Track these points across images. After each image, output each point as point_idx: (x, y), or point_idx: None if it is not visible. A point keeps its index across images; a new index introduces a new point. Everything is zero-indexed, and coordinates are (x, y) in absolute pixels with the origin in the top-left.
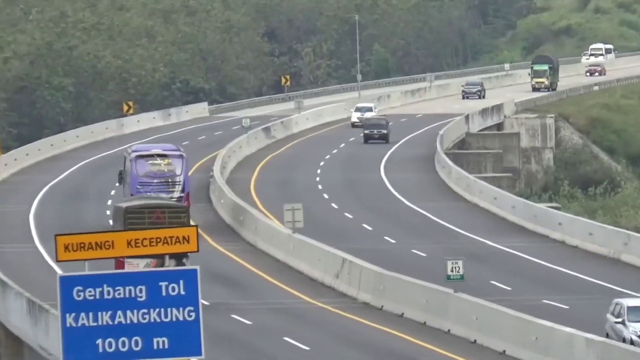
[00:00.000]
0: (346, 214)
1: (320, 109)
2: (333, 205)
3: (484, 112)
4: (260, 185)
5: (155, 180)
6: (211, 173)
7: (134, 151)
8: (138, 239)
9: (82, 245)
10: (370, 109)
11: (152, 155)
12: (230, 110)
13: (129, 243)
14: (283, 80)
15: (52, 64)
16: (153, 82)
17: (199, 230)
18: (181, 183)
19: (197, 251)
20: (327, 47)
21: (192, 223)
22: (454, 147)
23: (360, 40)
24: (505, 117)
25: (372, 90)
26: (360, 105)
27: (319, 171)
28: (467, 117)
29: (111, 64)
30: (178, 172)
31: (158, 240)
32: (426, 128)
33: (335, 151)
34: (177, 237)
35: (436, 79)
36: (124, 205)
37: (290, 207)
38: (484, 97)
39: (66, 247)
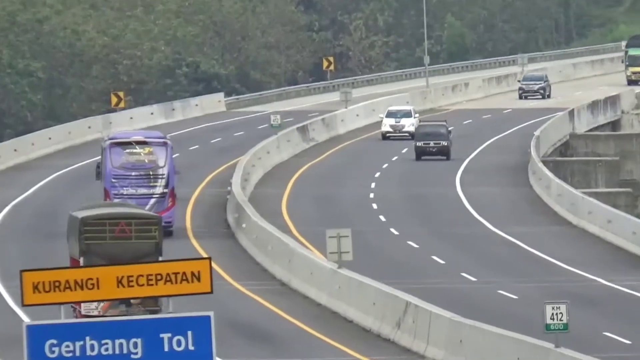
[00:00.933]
0: (410, 243)
1: (375, 102)
2: (392, 230)
3: (593, 105)
4: (295, 203)
5: (133, 173)
6: (229, 187)
7: (110, 138)
8: (132, 276)
9: (57, 284)
10: (408, 114)
11: (129, 143)
12: (254, 103)
13: (119, 281)
14: (325, 64)
15: (15, 42)
16: (151, 65)
17: (213, 264)
18: (165, 176)
19: (211, 292)
20: (384, 20)
21: (204, 255)
22: (554, 153)
23: (428, 10)
24: (622, 112)
25: (443, 77)
26: (394, 108)
27: (373, 185)
28: (571, 112)
29: (95, 42)
30: (161, 163)
31: (159, 277)
32: (517, 127)
33: (395, 158)
34: (184, 274)
35: (530, 61)
36: (80, 214)
37: (335, 233)
38: (548, 96)
39: (35, 287)
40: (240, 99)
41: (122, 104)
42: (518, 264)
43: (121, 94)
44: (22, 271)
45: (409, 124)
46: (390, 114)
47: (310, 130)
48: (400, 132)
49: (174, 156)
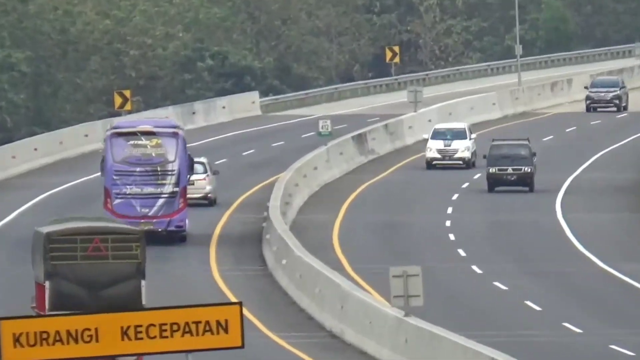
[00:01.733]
0: (497, 284)
1: (452, 104)
2: (474, 268)
3: None
4: (350, 233)
5: (138, 169)
6: (265, 213)
7: (112, 127)
8: (140, 326)
9: (44, 336)
10: (461, 134)
11: (133, 133)
12: (297, 105)
13: (124, 332)
14: (388, 55)
15: None
16: (166, 57)
17: (245, 311)
18: (175, 173)
19: (242, 346)
20: None
21: (233, 300)
22: None
23: None
24: None
25: (540, 71)
26: (442, 127)
27: (449, 210)
28: None
29: (94, 27)
30: (171, 156)
31: (175, 328)
32: (635, 136)
33: (477, 176)
34: (208, 324)
35: None
36: (45, 230)
37: (400, 271)
38: (625, 107)
39: (17, 340)
40: (279, 99)
41: (128, 106)
42: (635, 311)
43: (127, 93)
44: (1, 319)
45: (462, 148)
46: (436, 135)
47: (369, 139)
48: (450, 159)
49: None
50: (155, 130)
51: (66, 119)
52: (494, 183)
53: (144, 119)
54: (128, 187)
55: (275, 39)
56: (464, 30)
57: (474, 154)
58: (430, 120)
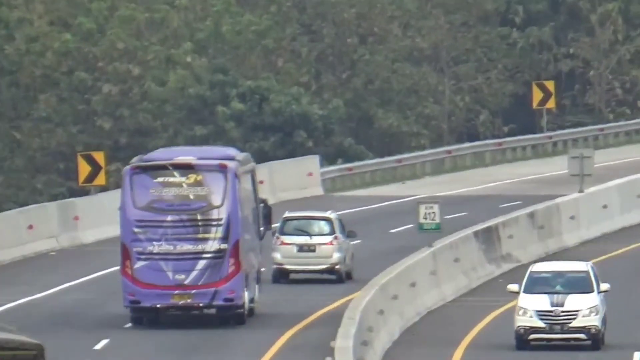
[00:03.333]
0: None
1: None
2: None
3: None
4: None
5: (169, 218)
6: (327, 359)
7: (136, 161)
8: None
9: None
10: None
11: (163, 167)
12: (382, 179)
13: None
14: (536, 96)
15: None
16: (165, 96)
17: None
18: (222, 223)
19: None
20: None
21: None
22: None
23: None
24: None
25: None
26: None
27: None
28: None
29: (44, 45)
30: (217, 199)
31: None
32: None
33: None
34: None
35: None
36: None
37: None
38: None
39: None
40: (353, 169)
41: (100, 180)
42: None
43: (98, 156)
44: None
45: None
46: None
47: (503, 237)
48: None
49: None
50: (195, 162)
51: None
52: None
53: (183, 149)
54: (155, 243)
55: (348, 68)
56: None
57: None
58: (605, 207)
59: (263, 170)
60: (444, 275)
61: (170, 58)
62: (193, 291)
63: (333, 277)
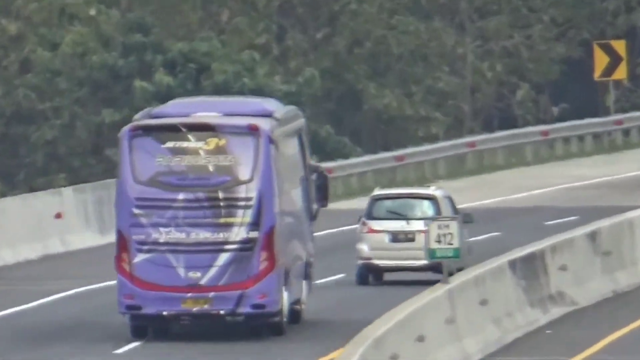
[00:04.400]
0: None
1: None
2: None
3: None
4: None
5: (180, 196)
6: None
7: (137, 120)
8: None
9: None
10: None
11: (173, 128)
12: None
13: None
14: (600, 62)
15: None
16: (60, 64)
17: None
18: (253, 203)
19: None
20: None
21: None
22: None
23: None
24: None
25: None
26: None
27: None
28: None
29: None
30: (245, 172)
31: None
32: None
33: None
34: None
35: None
36: None
37: None
38: None
39: None
40: (336, 169)
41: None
42: None
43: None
44: None
45: None
46: None
47: (552, 269)
48: None
49: None
50: (215, 122)
51: None
52: None
53: (202, 102)
54: (162, 230)
55: (325, 24)
56: None
57: None
58: None
59: None
60: (465, 324)
61: (64, 9)
62: (211, 294)
63: (439, 276)
